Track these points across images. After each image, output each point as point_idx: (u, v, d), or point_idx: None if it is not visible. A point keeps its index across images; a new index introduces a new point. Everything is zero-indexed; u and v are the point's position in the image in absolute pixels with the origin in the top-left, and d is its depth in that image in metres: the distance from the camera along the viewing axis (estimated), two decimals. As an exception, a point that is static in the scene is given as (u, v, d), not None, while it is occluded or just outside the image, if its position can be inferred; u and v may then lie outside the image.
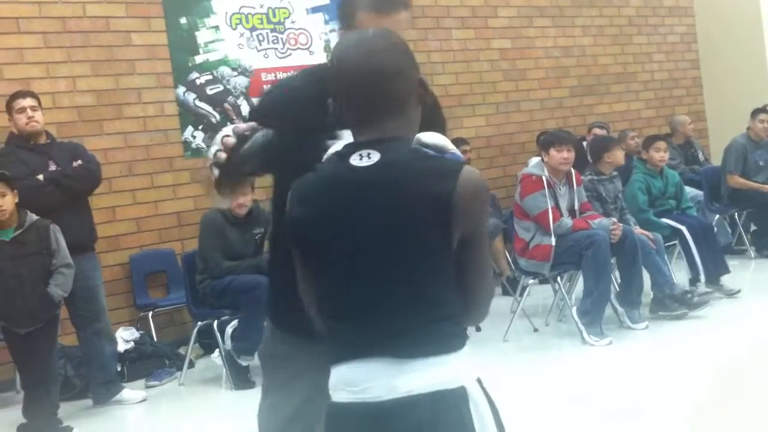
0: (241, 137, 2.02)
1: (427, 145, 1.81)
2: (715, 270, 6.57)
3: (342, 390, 1.77)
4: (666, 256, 6.37)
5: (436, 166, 1.73)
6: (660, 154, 6.80)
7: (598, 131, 7.03)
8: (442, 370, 1.73)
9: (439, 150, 1.81)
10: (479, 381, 1.82)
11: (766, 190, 8.01)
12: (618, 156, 6.50)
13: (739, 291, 6.42)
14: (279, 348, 2.27)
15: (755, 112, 8.44)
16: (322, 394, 1.85)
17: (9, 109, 5.30)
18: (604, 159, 6.41)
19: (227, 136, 2.05)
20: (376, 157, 1.72)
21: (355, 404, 1.74)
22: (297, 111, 2.14)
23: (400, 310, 1.73)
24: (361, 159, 1.73)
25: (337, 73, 1.78)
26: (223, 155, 2.03)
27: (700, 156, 9.37)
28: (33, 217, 4.90)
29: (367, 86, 1.75)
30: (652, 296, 6.22)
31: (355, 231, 1.73)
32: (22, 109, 5.23)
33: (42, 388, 4.89)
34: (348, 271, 1.75)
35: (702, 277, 6.47)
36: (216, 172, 2.05)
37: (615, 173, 6.55)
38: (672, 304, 6.02)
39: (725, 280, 6.61)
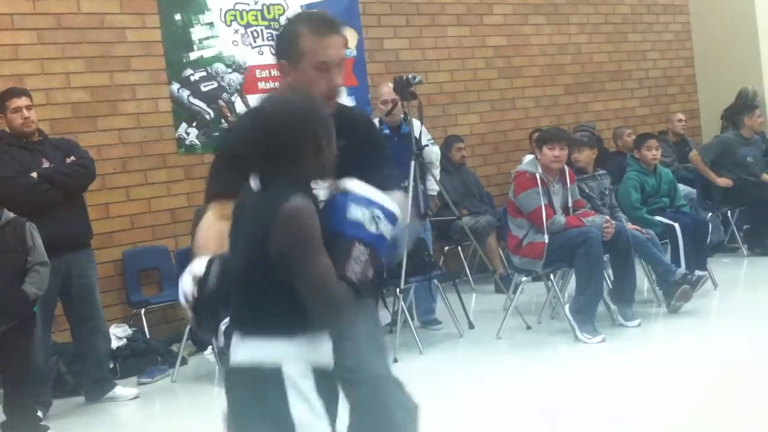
0: (199, 280, 2.31)
1: (348, 192, 2.21)
2: (694, 266, 6.56)
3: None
4: (662, 252, 6.37)
5: (271, 196, 2.16)
6: (652, 153, 6.81)
7: (578, 135, 7.05)
8: (262, 349, 2.16)
9: (362, 199, 2.21)
10: (318, 369, 2.18)
11: (714, 180, 8.10)
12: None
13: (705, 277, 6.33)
14: None
15: (748, 109, 8.47)
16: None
17: (2, 107, 5.21)
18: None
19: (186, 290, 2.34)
20: (255, 182, 2.23)
21: (227, 368, 2.28)
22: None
23: (246, 299, 2.21)
24: (251, 181, 2.25)
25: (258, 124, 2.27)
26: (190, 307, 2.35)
27: (694, 153, 9.40)
28: (9, 214, 4.84)
29: (260, 139, 2.22)
30: (661, 292, 6.20)
31: (238, 236, 2.25)
32: (18, 109, 5.18)
33: (20, 386, 4.82)
34: (233, 257, 2.26)
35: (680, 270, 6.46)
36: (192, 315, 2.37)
37: (602, 171, 6.56)
38: (676, 288, 6.01)
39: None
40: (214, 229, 2.53)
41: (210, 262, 2.31)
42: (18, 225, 4.84)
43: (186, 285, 2.31)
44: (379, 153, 2.80)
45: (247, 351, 2.18)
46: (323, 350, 2.21)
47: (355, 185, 2.23)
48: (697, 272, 6.16)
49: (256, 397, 2.15)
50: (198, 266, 2.31)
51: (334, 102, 2.64)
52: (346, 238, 2.19)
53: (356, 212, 2.20)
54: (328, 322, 2.20)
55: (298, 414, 2.13)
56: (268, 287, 2.16)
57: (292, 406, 2.12)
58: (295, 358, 2.16)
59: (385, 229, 2.24)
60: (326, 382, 2.20)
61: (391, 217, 2.26)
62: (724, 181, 8.10)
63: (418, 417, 2.85)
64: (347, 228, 2.19)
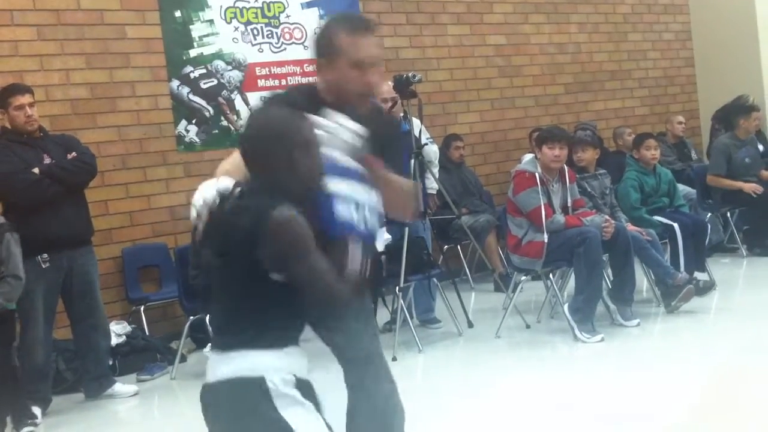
0: (223, 195, 2.39)
1: (332, 194, 2.33)
2: (693, 266, 6.57)
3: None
4: (662, 253, 6.37)
5: (259, 205, 2.21)
6: (651, 152, 6.81)
7: (581, 133, 7.04)
8: (243, 362, 2.22)
9: (347, 198, 2.35)
10: (299, 379, 2.25)
11: (743, 188, 8.01)
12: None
13: (713, 284, 6.32)
14: None
15: (744, 111, 8.46)
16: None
17: (4, 103, 5.18)
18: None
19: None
20: (237, 190, 2.31)
21: (204, 384, 2.35)
22: None
23: (223, 313, 2.31)
24: (235, 191, 2.33)
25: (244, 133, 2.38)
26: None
27: (693, 155, 9.41)
28: None
29: (249, 148, 2.32)
30: (660, 292, 6.21)
31: (214, 243, 2.31)
32: (21, 107, 5.15)
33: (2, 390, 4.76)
34: (212, 276, 2.32)
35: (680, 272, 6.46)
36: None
37: (603, 171, 6.56)
38: (678, 289, 6.01)
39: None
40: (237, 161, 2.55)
41: (236, 186, 2.35)
42: None
43: (208, 193, 2.38)
44: (395, 148, 2.89)
45: (230, 365, 2.23)
46: (302, 361, 2.29)
47: (339, 186, 2.33)
48: (698, 275, 6.15)
49: (245, 409, 2.20)
50: (225, 183, 2.38)
51: (368, 100, 2.70)
52: (337, 238, 2.28)
53: (343, 212, 2.33)
54: (320, 300, 2.25)
55: (291, 416, 2.18)
56: (248, 298, 2.23)
57: (283, 411, 2.18)
58: (277, 369, 2.22)
59: (373, 224, 2.38)
60: (307, 391, 2.28)
61: (375, 213, 2.40)
62: (751, 187, 8.05)
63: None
64: (337, 228, 2.29)
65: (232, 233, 2.23)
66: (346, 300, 2.23)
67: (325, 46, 2.66)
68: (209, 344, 5.80)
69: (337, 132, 2.45)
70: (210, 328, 2.43)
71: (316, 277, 2.18)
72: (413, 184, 2.83)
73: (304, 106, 2.55)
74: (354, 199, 2.35)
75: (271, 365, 2.21)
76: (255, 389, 2.19)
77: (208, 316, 5.61)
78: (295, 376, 2.24)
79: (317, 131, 2.39)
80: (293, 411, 2.19)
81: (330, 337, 2.81)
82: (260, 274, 2.20)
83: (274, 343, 2.23)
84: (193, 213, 2.40)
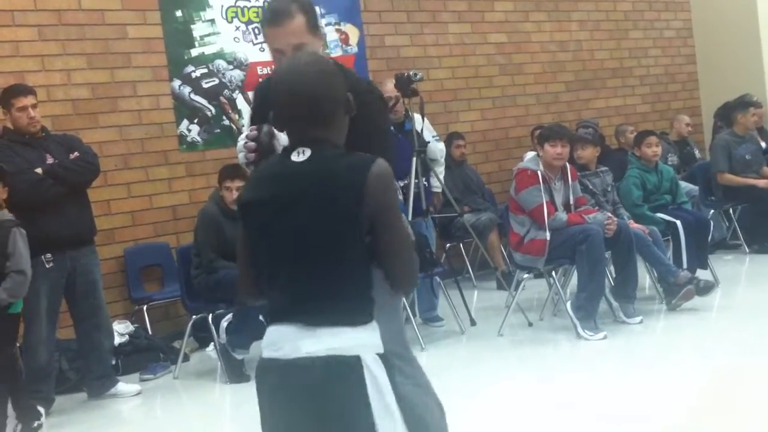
0: (255, 138, 2.59)
1: None
2: (695, 263, 6.56)
3: (266, 348, 2.17)
4: (664, 250, 6.36)
5: (351, 162, 2.12)
6: (652, 149, 6.80)
7: (582, 131, 7.04)
8: (339, 339, 2.07)
9: None
10: (384, 357, 2.12)
11: (756, 184, 8.02)
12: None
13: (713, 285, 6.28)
14: None
15: (742, 107, 8.45)
16: None
17: (7, 104, 5.19)
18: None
19: (246, 142, 2.62)
20: (308, 153, 2.14)
21: (272, 360, 2.14)
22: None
23: (311, 284, 2.11)
24: (297, 155, 2.15)
25: (274, 93, 2.20)
26: (252, 156, 2.61)
27: (697, 154, 9.40)
28: (3, 216, 4.78)
29: (296, 106, 2.15)
30: (662, 289, 6.21)
31: (288, 212, 2.11)
32: (24, 108, 5.14)
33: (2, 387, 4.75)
34: (280, 246, 2.14)
35: (682, 270, 6.46)
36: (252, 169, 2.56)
37: (605, 168, 6.56)
38: (679, 288, 6.02)
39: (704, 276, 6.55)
40: None
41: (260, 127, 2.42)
42: (4, 229, 4.75)
43: (241, 145, 2.58)
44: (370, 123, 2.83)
45: (319, 341, 2.07)
46: (380, 337, 2.16)
47: None
48: (701, 277, 6.14)
49: (334, 388, 2.06)
50: (248, 131, 2.59)
51: None
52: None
53: None
54: (408, 282, 2.19)
55: (377, 413, 2.07)
56: (343, 272, 2.10)
57: (372, 400, 2.06)
58: (369, 347, 2.11)
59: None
60: (390, 362, 2.17)
61: None
62: (765, 182, 8.04)
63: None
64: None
65: (327, 192, 2.09)
66: (417, 270, 2.16)
67: (261, 29, 2.96)
68: (211, 343, 5.85)
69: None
70: (270, 302, 2.22)
71: (405, 241, 2.12)
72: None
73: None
74: None
75: (366, 342, 2.10)
76: (350, 368, 2.06)
77: (210, 316, 5.63)
78: (379, 353, 2.12)
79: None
80: (381, 405, 2.07)
81: None
82: (356, 237, 2.08)
83: (365, 318, 2.12)
84: (242, 159, 2.56)
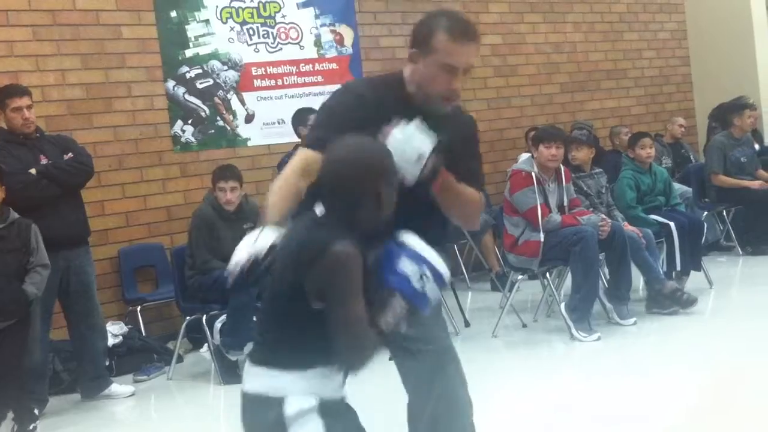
0: (254, 260, 2.39)
1: (403, 245, 2.27)
2: (689, 265, 6.57)
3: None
4: (657, 252, 6.38)
5: (319, 236, 2.20)
6: (646, 151, 6.81)
7: (576, 133, 7.05)
8: (269, 380, 2.23)
9: (415, 255, 2.26)
10: (325, 404, 2.22)
11: (749, 186, 8.04)
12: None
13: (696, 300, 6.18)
14: None
15: (737, 109, 8.47)
16: None
17: (1, 105, 5.18)
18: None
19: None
20: (314, 217, 2.31)
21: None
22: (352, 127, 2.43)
23: (263, 327, 2.35)
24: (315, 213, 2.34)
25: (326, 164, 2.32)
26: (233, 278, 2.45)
27: (692, 157, 9.41)
28: (15, 214, 4.86)
29: (328, 182, 2.28)
30: (645, 293, 6.24)
31: (276, 260, 2.33)
32: (18, 109, 5.14)
33: (11, 386, 4.77)
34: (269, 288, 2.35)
35: (675, 272, 6.48)
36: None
37: (599, 170, 6.57)
38: (665, 301, 6.05)
39: (693, 284, 6.56)
40: (290, 187, 2.58)
41: (271, 248, 2.36)
42: (23, 226, 4.85)
43: (241, 256, 2.36)
44: (470, 150, 2.83)
45: (255, 379, 2.27)
46: (334, 383, 2.27)
47: (412, 240, 2.29)
48: (687, 293, 6.14)
49: (252, 419, 2.27)
50: (262, 243, 2.36)
51: (448, 103, 2.66)
52: (389, 288, 2.22)
53: (406, 266, 2.24)
54: (350, 364, 2.25)
55: None
56: (287, 318, 2.24)
57: None
58: (301, 391, 2.22)
59: (431, 289, 2.27)
60: (335, 410, 2.27)
61: (439, 279, 2.29)
62: (758, 183, 8.07)
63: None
64: (393, 278, 2.22)
65: (289, 255, 2.24)
66: (368, 353, 2.19)
67: (423, 39, 2.61)
68: (205, 344, 5.84)
69: (407, 142, 2.42)
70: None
71: (348, 324, 2.15)
72: (480, 195, 2.80)
73: (385, 99, 2.61)
74: (421, 257, 2.27)
75: (294, 387, 2.21)
76: (272, 409, 2.20)
77: (204, 317, 5.63)
78: (319, 397, 2.22)
79: (387, 143, 2.39)
80: None
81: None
82: (302, 297, 2.19)
83: (302, 364, 2.22)
84: (233, 262, 2.39)
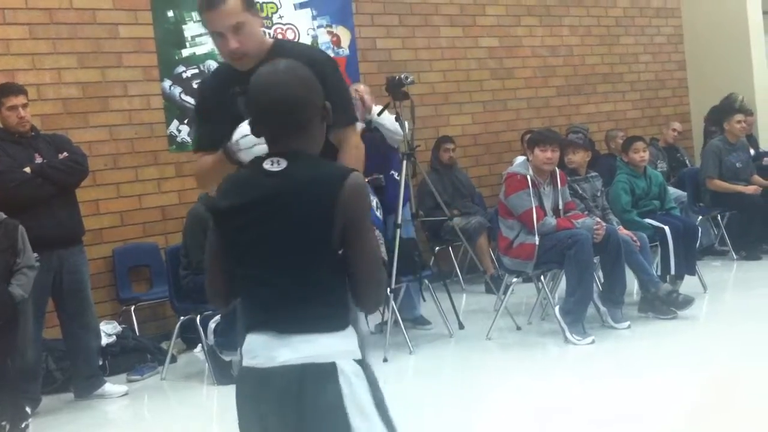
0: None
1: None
2: (683, 269, 6.58)
3: (244, 356, 2.17)
4: (651, 256, 6.39)
5: (324, 175, 2.11)
6: (639, 155, 6.82)
7: (572, 136, 7.07)
8: (312, 347, 2.07)
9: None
10: (361, 363, 2.12)
11: (743, 191, 8.06)
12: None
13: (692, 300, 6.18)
14: None
15: (728, 114, 8.49)
16: None
17: None
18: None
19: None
20: (283, 164, 2.12)
21: (250, 369, 2.15)
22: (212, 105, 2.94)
23: (284, 292, 2.10)
24: (272, 165, 2.13)
25: (251, 100, 2.18)
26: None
27: (687, 161, 9.44)
28: (1, 215, 4.84)
29: (273, 113, 2.14)
30: (640, 296, 6.25)
31: (261, 222, 2.10)
32: (14, 108, 5.14)
33: (3, 383, 4.74)
34: (252, 255, 2.12)
35: (669, 276, 6.48)
36: None
37: (594, 173, 6.58)
38: (660, 306, 6.06)
39: (687, 288, 6.55)
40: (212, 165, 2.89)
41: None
42: (10, 226, 4.81)
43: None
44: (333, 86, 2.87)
45: (293, 350, 2.07)
46: (357, 343, 2.16)
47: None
48: (682, 294, 6.15)
49: (309, 396, 2.06)
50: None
51: (240, 62, 2.87)
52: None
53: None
54: (370, 302, 2.16)
55: (354, 415, 2.07)
56: (317, 279, 2.09)
57: (349, 408, 2.06)
58: (345, 353, 2.10)
59: (378, 217, 2.36)
60: (367, 370, 2.17)
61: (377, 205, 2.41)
62: (752, 189, 8.10)
63: None
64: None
65: (301, 203, 2.08)
66: (384, 289, 2.14)
67: (200, 18, 2.99)
68: (199, 344, 5.84)
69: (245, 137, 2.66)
70: (245, 310, 2.23)
71: (374, 257, 2.09)
72: (352, 127, 2.99)
73: (222, 75, 2.98)
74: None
75: (341, 349, 2.09)
76: (325, 375, 2.06)
77: (198, 317, 5.63)
78: (357, 359, 2.13)
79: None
80: (357, 409, 2.07)
81: None
82: (328, 247, 2.07)
83: (339, 324, 2.10)
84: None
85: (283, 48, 2.91)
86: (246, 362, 2.16)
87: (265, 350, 2.10)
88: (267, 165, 2.13)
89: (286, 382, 2.07)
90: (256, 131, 2.22)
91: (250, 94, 2.19)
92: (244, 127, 2.60)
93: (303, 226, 2.07)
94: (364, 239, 2.09)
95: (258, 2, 7.38)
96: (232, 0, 2.79)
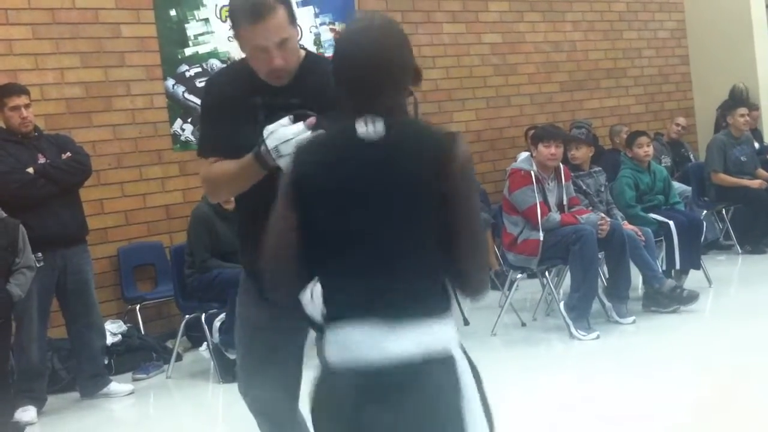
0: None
1: None
2: (688, 264, 6.57)
3: (332, 352, 1.90)
4: (655, 251, 6.38)
5: (432, 133, 1.93)
6: (643, 150, 6.81)
7: (575, 132, 7.05)
8: (430, 337, 1.85)
9: None
10: (462, 346, 1.93)
11: (748, 185, 8.05)
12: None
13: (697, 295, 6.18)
14: (248, 283, 2.94)
15: (732, 108, 8.48)
16: (284, 315, 2.38)
17: (0, 103, 5.18)
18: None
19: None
20: (380, 126, 1.88)
21: (348, 365, 1.86)
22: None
23: (392, 275, 1.86)
24: (366, 126, 1.89)
25: (344, 56, 1.96)
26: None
27: (691, 156, 9.42)
28: (2, 213, 4.85)
29: (370, 69, 1.92)
30: (643, 291, 6.25)
31: (359, 188, 1.88)
32: (17, 108, 5.15)
33: None
34: (353, 236, 1.87)
35: (674, 271, 6.48)
36: None
37: (598, 168, 6.57)
38: (663, 300, 6.05)
39: (692, 283, 6.54)
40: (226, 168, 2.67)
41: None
42: (11, 225, 4.83)
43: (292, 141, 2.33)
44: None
45: (408, 340, 1.83)
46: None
47: None
48: (687, 289, 6.14)
49: (430, 389, 1.84)
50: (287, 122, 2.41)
51: (279, 80, 2.66)
52: None
53: None
54: (482, 279, 1.97)
55: (467, 410, 1.90)
56: (428, 260, 1.88)
57: (464, 399, 1.89)
58: (455, 340, 1.92)
59: None
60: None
61: None
62: (757, 183, 8.10)
63: None
64: None
65: (410, 173, 1.86)
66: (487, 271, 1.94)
67: (234, 31, 2.70)
68: (204, 343, 5.84)
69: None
70: (332, 299, 1.92)
71: (481, 235, 1.92)
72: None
73: (242, 80, 2.74)
74: None
75: (452, 336, 1.89)
76: (446, 368, 1.86)
77: (203, 315, 5.62)
78: (461, 346, 1.93)
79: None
80: (467, 400, 1.90)
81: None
82: (433, 216, 1.85)
83: (448, 306, 1.91)
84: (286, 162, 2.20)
85: (315, 62, 2.76)
86: (337, 358, 1.89)
87: (372, 341, 1.83)
88: (362, 129, 1.89)
89: (404, 378, 1.82)
90: (345, 92, 1.96)
91: (337, 50, 1.98)
92: (281, 132, 2.42)
93: (413, 200, 1.85)
94: (470, 216, 1.88)
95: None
96: (281, 12, 2.55)
